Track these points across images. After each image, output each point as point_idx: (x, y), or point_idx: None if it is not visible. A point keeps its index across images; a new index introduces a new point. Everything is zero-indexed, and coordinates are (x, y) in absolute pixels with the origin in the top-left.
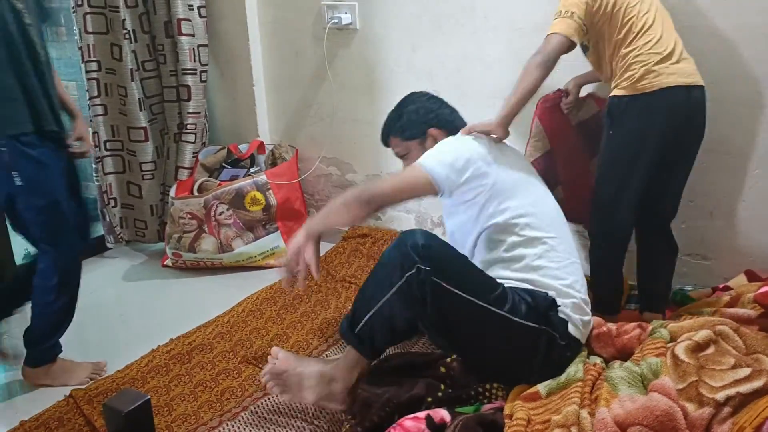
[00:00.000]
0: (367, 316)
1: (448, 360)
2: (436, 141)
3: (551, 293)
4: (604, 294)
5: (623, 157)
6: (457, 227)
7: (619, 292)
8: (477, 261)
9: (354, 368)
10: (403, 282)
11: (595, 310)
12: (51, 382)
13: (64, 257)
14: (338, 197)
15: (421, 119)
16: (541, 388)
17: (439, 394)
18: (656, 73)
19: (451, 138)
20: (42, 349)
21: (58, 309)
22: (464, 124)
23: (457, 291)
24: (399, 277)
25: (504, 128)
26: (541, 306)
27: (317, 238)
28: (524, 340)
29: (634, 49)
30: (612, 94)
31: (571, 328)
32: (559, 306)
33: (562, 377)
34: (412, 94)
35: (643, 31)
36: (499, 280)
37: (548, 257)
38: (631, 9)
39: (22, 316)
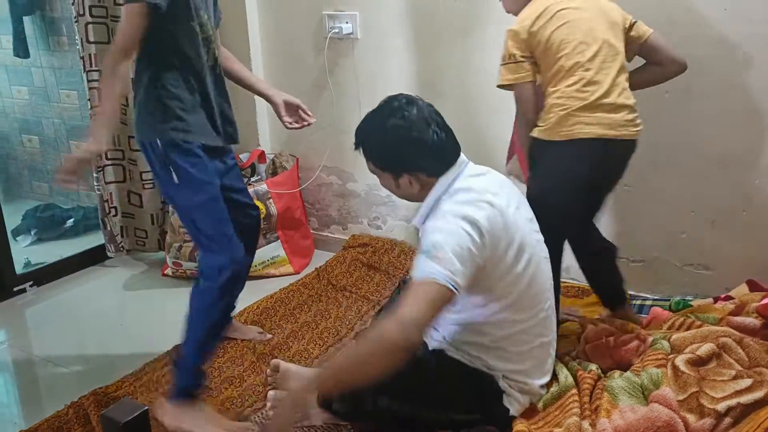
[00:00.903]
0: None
1: None
2: (410, 184)
3: (498, 375)
4: None
5: (541, 200)
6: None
7: None
8: (446, 315)
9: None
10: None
11: None
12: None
13: (203, 265)
14: (354, 349)
15: (397, 156)
16: (538, 401)
17: None
18: (574, 121)
19: (451, 226)
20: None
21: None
22: (453, 159)
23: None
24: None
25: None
26: (488, 396)
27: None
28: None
29: (558, 90)
30: (531, 133)
31: (512, 410)
32: (504, 392)
33: (556, 388)
34: (401, 106)
35: (573, 70)
36: (456, 341)
37: (513, 340)
38: (565, 45)
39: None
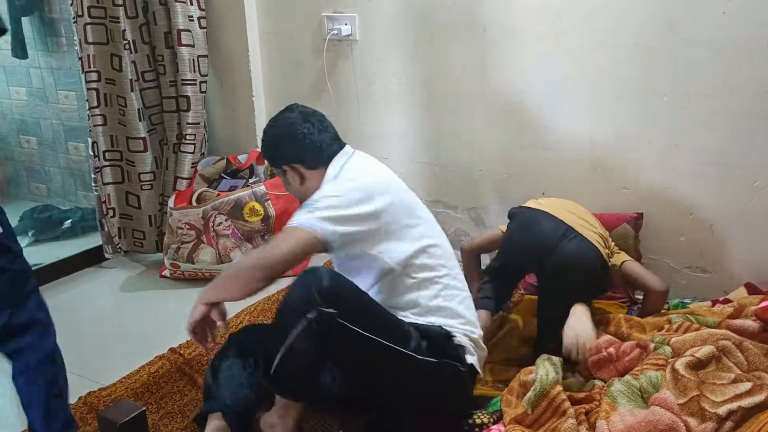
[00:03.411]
0: (278, 359)
1: None
2: (294, 177)
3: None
4: None
5: None
6: (353, 278)
7: None
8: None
9: (287, 412)
10: (305, 325)
11: None
12: None
13: None
14: (231, 269)
15: (277, 151)
16: (525, 404)
17: None
18: None
19: (332, 186)
20: None
21: None
22: (331, 152)
23: (362, 332)
24: (301, 320)
25: None
26: (438, 340)
27: (214, 305)
28: (430, 377)
29: None
30: None
31: (468, 357)
32: (455, 337)
33: (537, 385)
34: (286, 111)
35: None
36: None
37: (444, 296)
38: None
39: None
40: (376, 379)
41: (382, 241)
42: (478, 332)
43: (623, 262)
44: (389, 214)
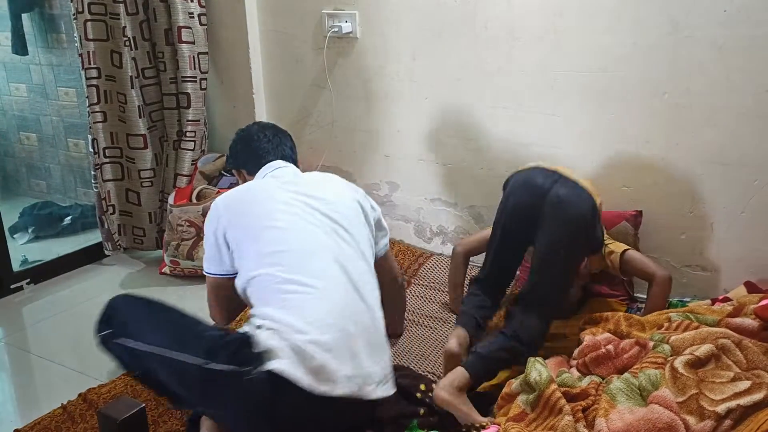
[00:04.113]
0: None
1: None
2: (240, 180)
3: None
4: None
5: None
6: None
7: None
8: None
9: None
10: (103, 350)
11: None
12: None
13: None
14: None
15: (231, 156)
16: (522, 404)
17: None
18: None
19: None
20: None
21: None
22: (264, 162)
23: (138, 348)
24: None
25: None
26: (235, 346)
27: None
28: (223, 385)
29: None
30: None
31: (271, 364)
32: (255, 343)
33: (535, 386)
34: (251, 124)
35: None
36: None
37: (277, 304)
38: None
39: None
40: (180, 390)
41: (237, 261)
42: (311, 337)
43: (625, 250)
44: (231, 233)
